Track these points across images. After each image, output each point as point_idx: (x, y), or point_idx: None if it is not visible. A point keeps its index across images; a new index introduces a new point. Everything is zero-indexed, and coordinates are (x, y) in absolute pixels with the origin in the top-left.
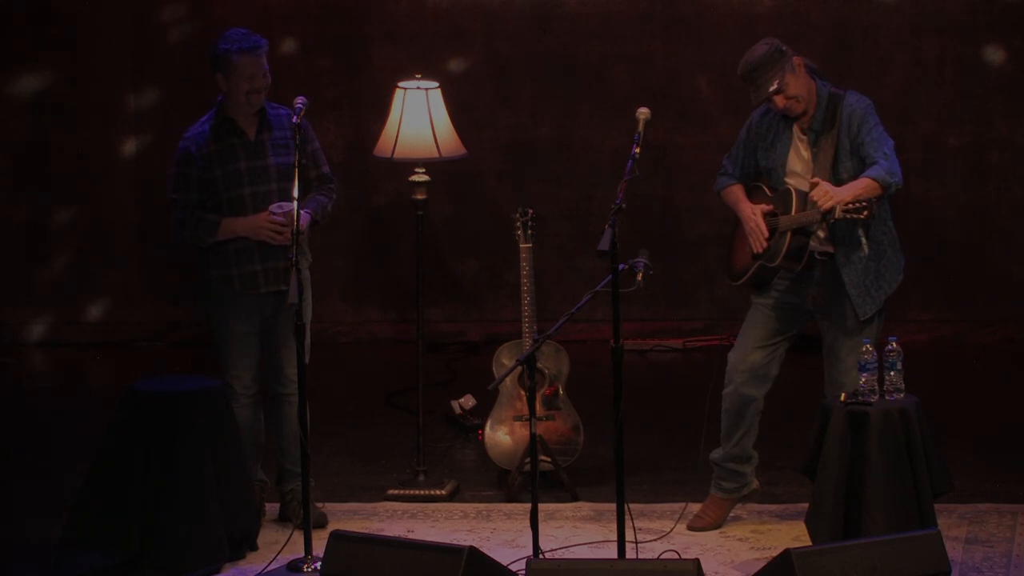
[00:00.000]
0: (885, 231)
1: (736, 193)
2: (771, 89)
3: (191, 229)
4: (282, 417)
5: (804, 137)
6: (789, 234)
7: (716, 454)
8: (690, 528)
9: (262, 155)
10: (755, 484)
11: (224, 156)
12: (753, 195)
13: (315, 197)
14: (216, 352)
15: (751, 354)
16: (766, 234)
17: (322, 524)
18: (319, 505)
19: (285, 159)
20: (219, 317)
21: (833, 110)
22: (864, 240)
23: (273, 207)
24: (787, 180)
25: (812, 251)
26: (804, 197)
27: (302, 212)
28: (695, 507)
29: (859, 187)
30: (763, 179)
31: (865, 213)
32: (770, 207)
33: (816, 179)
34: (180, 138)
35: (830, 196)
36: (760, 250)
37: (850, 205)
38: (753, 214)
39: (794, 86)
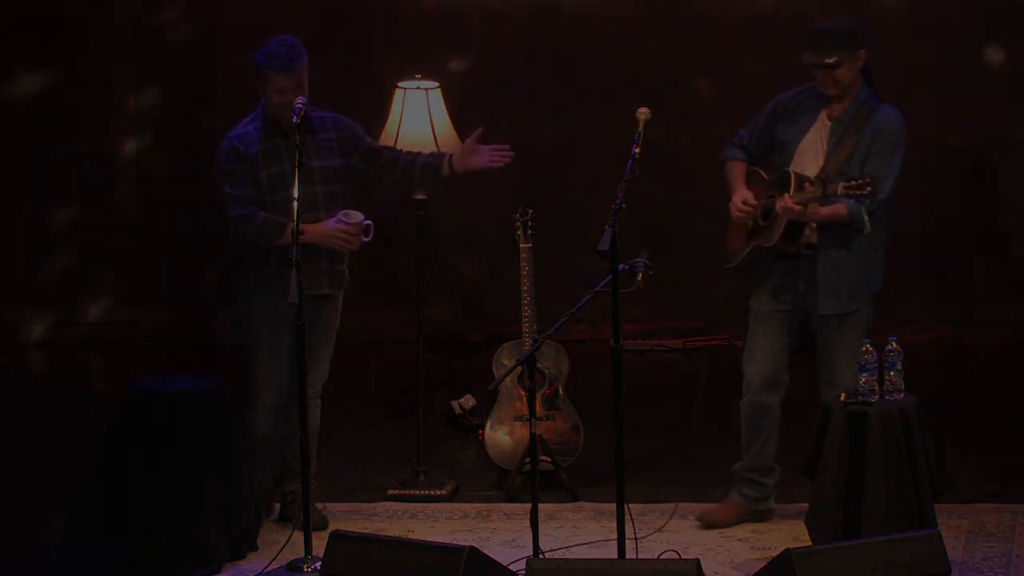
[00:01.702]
0: (875, 237)
1: (736, 171)
2: (828, 61)
3: (257, 227)
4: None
5: (829, 124)
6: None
7: (738, 465)
8: (699, 519)
9: (306, 158)
10: (772, 503)
11: (269, 157)
12: (751, 180)
13: (415, 160)
14: (245, 356)
15: (763, 364)
16: (749, 223)
17: (323, 526)
18: (320, 506)
19: (329, 162)
20: (251, 320)
21: (866, 114)
22: (866, 218)
23: (341, 215)
24: (796, 157)
25: (804, 240)
26: (802, 181)
27: (366, 221)
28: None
29: (827, 212)
30: (772, 158)
31: (868, 190)
32: (764, 193)
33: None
34: (181, 137)
35: (793, 210)
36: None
37: (853, 182)
38: (737, 203)
39: (845, 72)
